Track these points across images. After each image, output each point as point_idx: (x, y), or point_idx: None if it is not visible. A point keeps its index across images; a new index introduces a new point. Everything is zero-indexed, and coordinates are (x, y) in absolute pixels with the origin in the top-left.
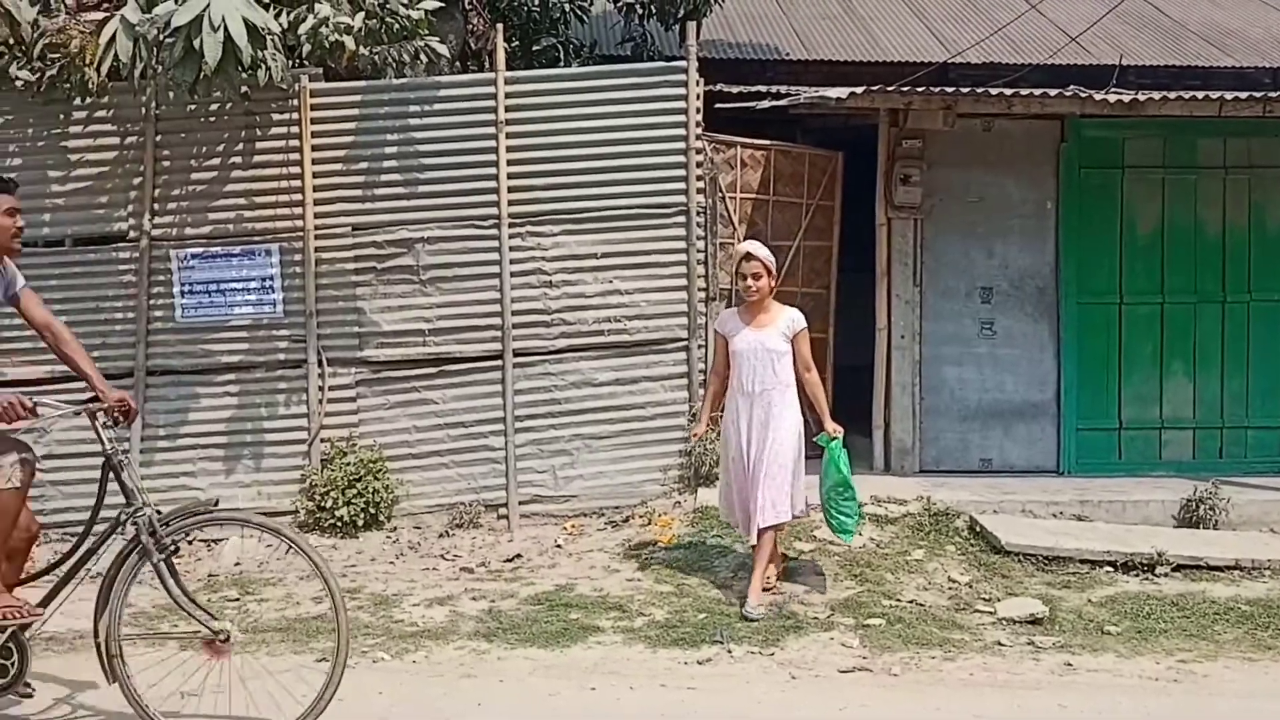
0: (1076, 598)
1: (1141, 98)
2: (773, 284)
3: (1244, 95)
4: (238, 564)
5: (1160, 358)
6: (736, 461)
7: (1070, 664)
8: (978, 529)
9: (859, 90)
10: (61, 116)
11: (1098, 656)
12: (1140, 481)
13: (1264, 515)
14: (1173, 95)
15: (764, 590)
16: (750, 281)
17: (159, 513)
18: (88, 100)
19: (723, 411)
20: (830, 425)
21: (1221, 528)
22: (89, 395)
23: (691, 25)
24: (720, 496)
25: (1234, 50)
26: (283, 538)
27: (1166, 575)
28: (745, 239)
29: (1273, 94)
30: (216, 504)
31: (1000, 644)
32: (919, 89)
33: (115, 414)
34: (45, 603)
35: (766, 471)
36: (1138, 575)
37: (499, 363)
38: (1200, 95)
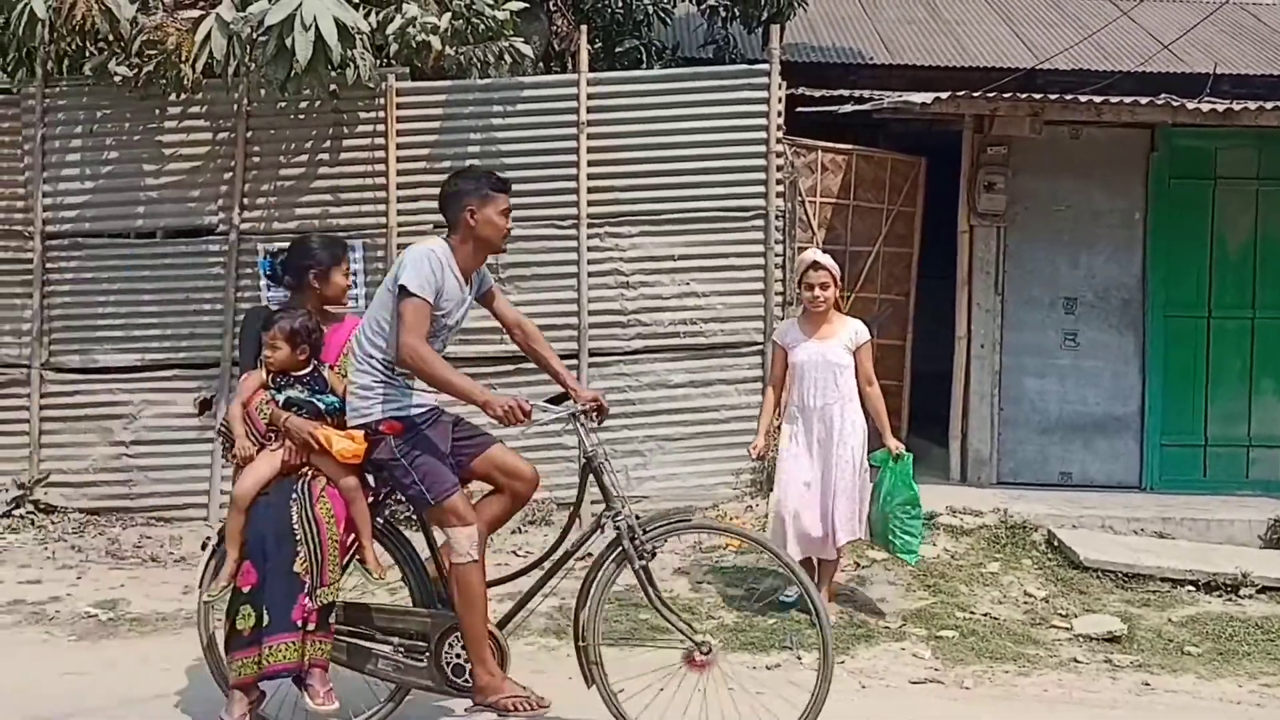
0: (1156, 616)
1: (1236, 107)
2: (839, 294)
3: None
4: None
5: (1250, 374)
6: (796, 481)
7: (1148, 684)
8: (1056, 543)
9: (944, 95)
10: (157, 112)
11: (1177, 677)
12: (1225, 500)
13: None
14: (1269, 105)
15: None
16: (817, 291)
17: (638, 518)
18: (182, 96)
19: (778, 426)
20: (892, 442)
21: None
22: (559, 393)
23: (775, 28)
24: (773, 518)
25: None
26: (754, 543)
27: (1251, 597)
28: (824, 244)
29: None
30: (693, 512)
31: (1076, 661)
32: (1005, 95)
33: (591, 413)
34: (505, 622)
35: (838, 488)
36: (1220, 596)
37: (575, 362)
38: None
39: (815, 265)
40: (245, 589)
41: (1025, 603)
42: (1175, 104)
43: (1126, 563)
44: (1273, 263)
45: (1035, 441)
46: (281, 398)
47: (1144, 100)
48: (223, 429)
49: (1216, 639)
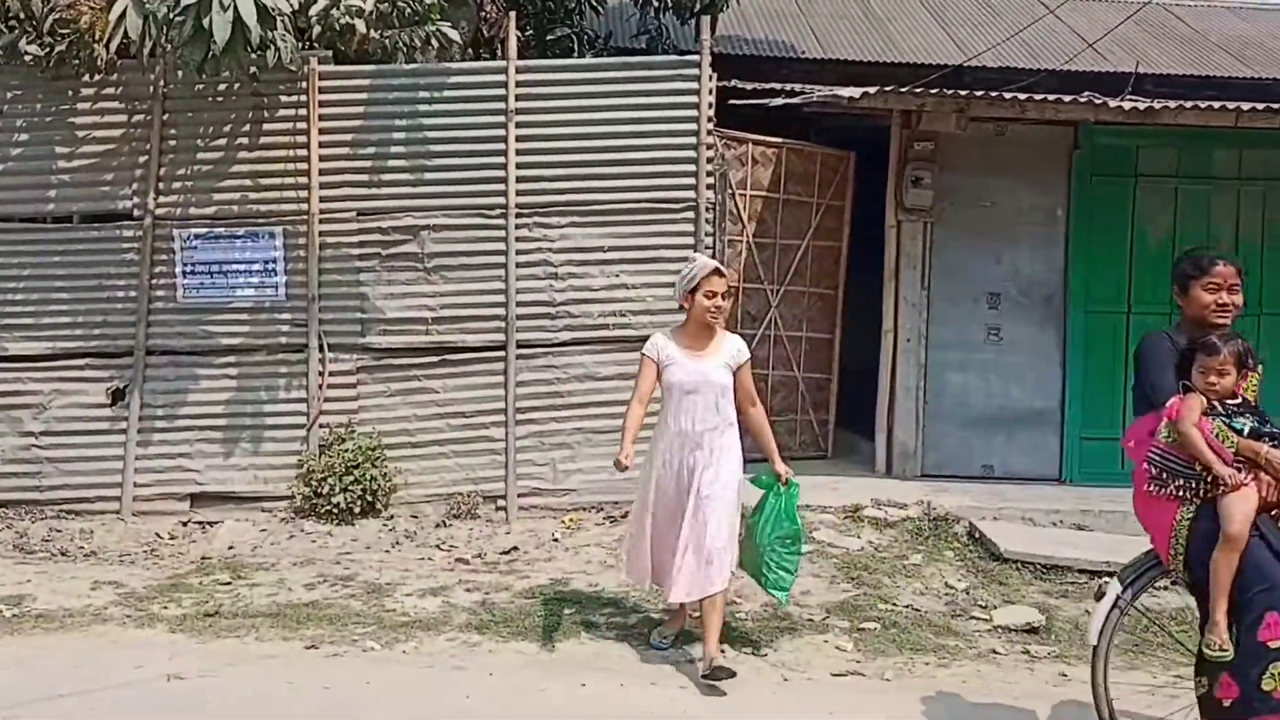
0: (1074, 608)
1: (1157, 105)
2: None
3: (1261, 106)
4: (231, 547)
5: None
6: (664, 510)
7: (1065, 674)
8: (977, 535)
9: (872, 90)
10: (70, 93)
11: None
12: None
13: None
14: (1189, 104)
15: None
16: (719, 301)
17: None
18: (96, 77)
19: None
20: (781, 467)
21: None
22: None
23: (707, 20)
24: (628, 551)
25: (1254, 61)
26: None
27: (1166, 588)
28: (754, 237)
29: None
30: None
31: (995, 652)
32: (932, 91)
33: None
34: None
35: (711, 520)
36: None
37: (502, 353)
38: (1217, 105)
39: (717, 272)
40: (1274, 644)
41: (946, 594)
42: (1098, 102)
43: (1045, 554)
44: None
45: (959, 435)
46: (1241, 425)
47: (1067, 98)
48: (1159, 456)
49: (1131, 630)
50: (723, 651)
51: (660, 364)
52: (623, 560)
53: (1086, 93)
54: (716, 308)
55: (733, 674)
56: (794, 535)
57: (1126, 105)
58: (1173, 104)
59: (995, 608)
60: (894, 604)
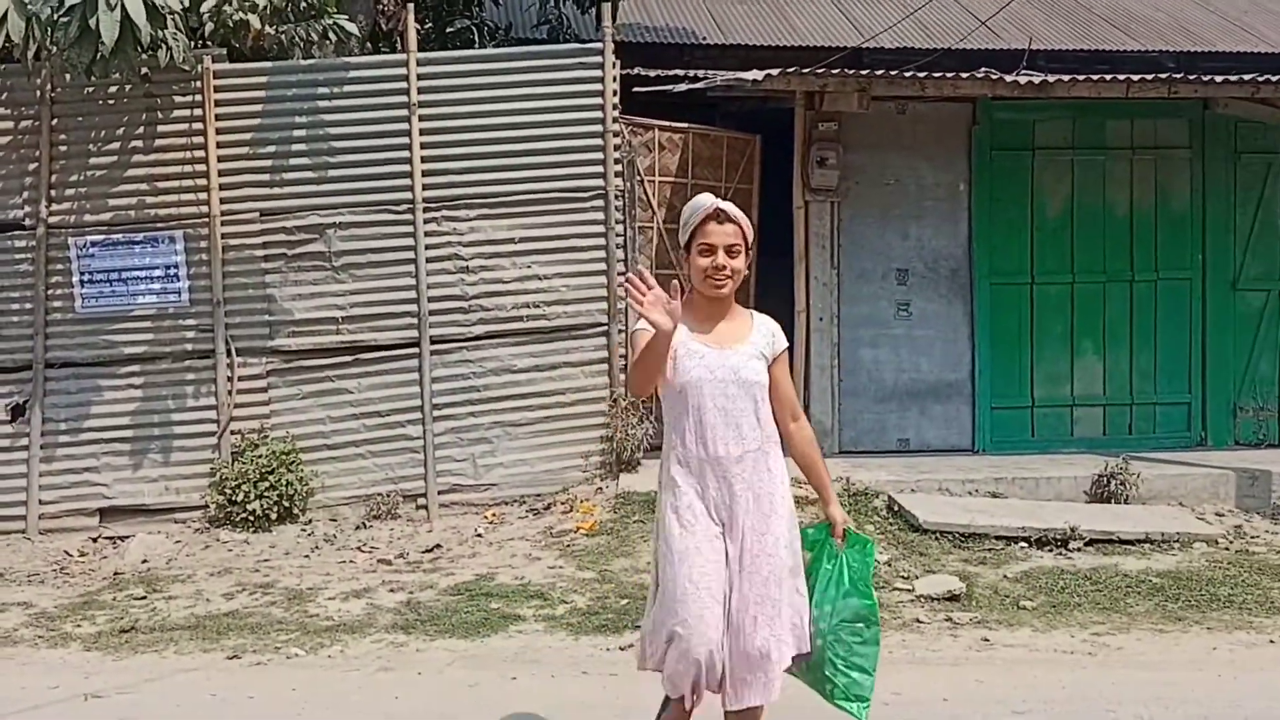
0: (993, 574)
1: (1051, 80)
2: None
3: (1150, 77)
4: (145, 560)
5: (1071, 337)
6: (704, 589)
7: (988, 639)
8: (896, 508)
9: (775, 72)
10: None
11: (1014, 631)
12: (1053, 458)
13: (1172, 489)
14: (1081, 78)
15: None
16: (721, 259)
17: None
18: None
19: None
20: (839, 514)
21: (1132, 502)
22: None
23: (607, 7)
24: (652, 630)
25: (1139, 34)
26: None
27: (1079, 550)
28: (665, 223)
29: (1176, 75)
30: None
31: (919, 621)
32: (834, 71)
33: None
34: None
35: (769, 593)
36: (1052, 550)
37: (415, 350)
38: (1108, 78)
39: (719, 215)
40: None
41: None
42: (994, 77)
43: (963, 523)
44: (1089, 230)
45: (874, 410)
46: None
47: (965, 75)
48: None
49: (1050, 592)
50: None
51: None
52: (648, 651)
53: (983, 69)
54: (718, 268)
55: None
56: (867, 616)
57: (1022, 80)
58: (1066, 78)
59: (917, 578)
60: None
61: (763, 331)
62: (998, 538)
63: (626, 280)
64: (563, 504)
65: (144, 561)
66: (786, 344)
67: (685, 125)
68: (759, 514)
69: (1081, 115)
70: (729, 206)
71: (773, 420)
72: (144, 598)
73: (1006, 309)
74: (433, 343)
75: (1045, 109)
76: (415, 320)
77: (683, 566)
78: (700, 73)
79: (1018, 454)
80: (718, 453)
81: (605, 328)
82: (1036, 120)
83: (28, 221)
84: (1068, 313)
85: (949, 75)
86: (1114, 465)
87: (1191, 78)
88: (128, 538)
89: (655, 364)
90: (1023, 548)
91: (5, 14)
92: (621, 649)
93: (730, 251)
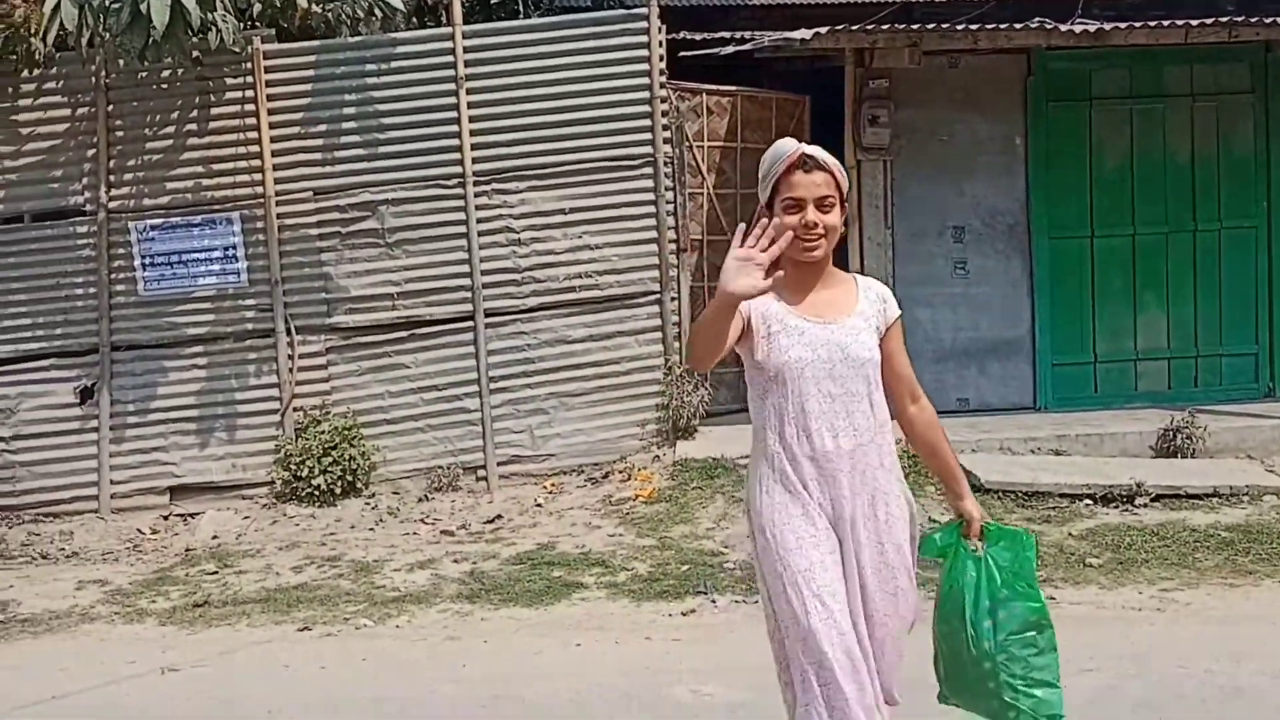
0: (1057, 532)
1: (1107, 27)
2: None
3: (1209, 21)
4: (215, 536)
5: (1133, 290)
6: (835, 598)
7: (1053, 597)
8: None
9: (823, 31)
10: (9, 90)
11: (1081, 589)
12: (1116, 414)
13: (1239, 442)
14: (1138, 24)
15: None
16: (814, 216)
17: None
18: (35, 72)
19: (757, 483)
20: (974, 507)
21: (1199, 456)
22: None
23: None
24: (805, 683)
25: None
26: None
27: (1146, 506)
28: (715, 189)
29: (1237, 19)
30: None
31: None
32: (884, 27)
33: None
34: None
35: (889, 609)
36: (1117, 507)
37: (470, 324)
38: (1166, 23)
39: (805, 162)
40: None
41: (931, 528)
42: (1048, 28)
43: (1025, 482)
44: (1149, 180)
45: (932, 370)
46: None
47: (1018, 26)
48: None
49: (1116, 549)
50: None
51: (755, 328)
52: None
53: (1037, 20)
54: (808, 227)
55: None
56: (1038, 622)
57: (1077, 29)
58: (1122, 25)
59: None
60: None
61: (870, 298)
62: (1061, 495)
63: (747, 226)
64: (621, 472)
65: (214, 537)
66: (899, 310)
67: (733, 88)
68: (877, 521)
69: (1139, 63)
70: (817, 151)
71: (886, 404)
72: (215, 573)
73: (1066, 264)
74: (487, 316)
75: (1101, 58)
76: (469, 294)
77: (808, 591)
78: (747, 34)
79: (1080, 410)
80: (825, 447)
81: (658, 296)
82: (1093, 70)
83: (88, 207)
84: (1129, 266)
85: (1002, 27)
86: (1180, 419)
87: (1253, 20)
88: (198, 515)
89: (717, 331)
90: (1087, 505)
91: (58, 3)
92: (684, 614)
93: (822, 205)
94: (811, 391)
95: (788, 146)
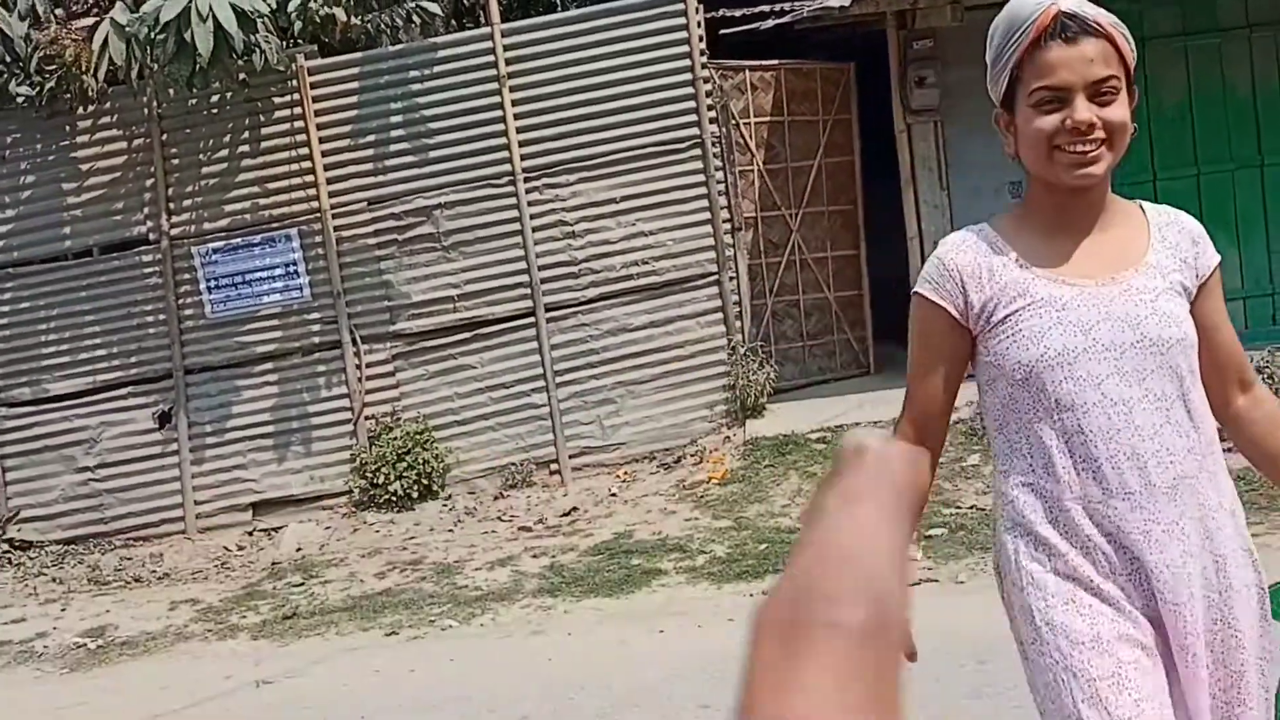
0: None
1: None
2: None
3: None
4: (299, 549)
5: None
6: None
7: None
8: None
9: None
10: (66, 128)
11: None
12: None
13: None
14: None
15: None
16: (1084, 113)
17: None
18: (89, 108)
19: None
20: None
21: None
22: None
23: None
24: None
25: None
26: None
27: (1229, 451)
28: (765, 164)
29: None
30: None
31: None
32: None
33: None
34: None
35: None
36: None
37: (531, 320)
38: None
39: (1066, 26)
40: None
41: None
42: None
43: None
44: (1209, 117)
45: None
46: None
47: None
48: None
49: None
50: None
51: (970, 319)
52: None
53: None
54: (1077, 130)
55: None
56: None
57: None
58: None
59: None
60: (957, 507)
61: (1169, 240)
62: None
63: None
64: (692, 456)
65: (298, 549)
66: (1218, 256)
67: (776, 62)
68: (1218, 585)
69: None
70: (1083, 5)
71: (1208, 406)
72: (302, 584)
73: None
74: (547, 310)
75: None
76: (528, 290)
77: (1094, 701)
78: (785, 6)
79: None
80: (1126, 485)
81: (716, 276)
82: (1142, 10)
83: (151, 236)
84: (1195, 206)
85: None
86: (1260, 358)
87: None
88: (280, 528)
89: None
90: None
91: (106, 39)
92: (765, 594)
93: (1099, 91)
94: (1091, 398)
95: (1029, 5)
